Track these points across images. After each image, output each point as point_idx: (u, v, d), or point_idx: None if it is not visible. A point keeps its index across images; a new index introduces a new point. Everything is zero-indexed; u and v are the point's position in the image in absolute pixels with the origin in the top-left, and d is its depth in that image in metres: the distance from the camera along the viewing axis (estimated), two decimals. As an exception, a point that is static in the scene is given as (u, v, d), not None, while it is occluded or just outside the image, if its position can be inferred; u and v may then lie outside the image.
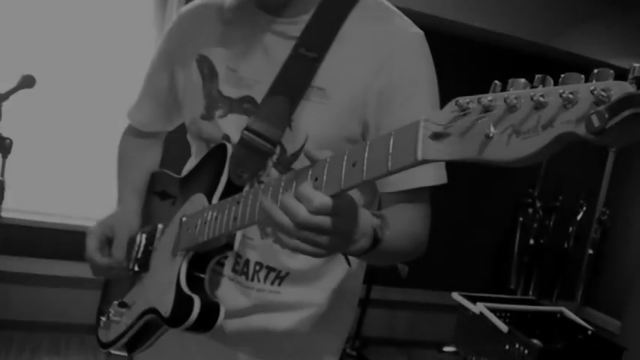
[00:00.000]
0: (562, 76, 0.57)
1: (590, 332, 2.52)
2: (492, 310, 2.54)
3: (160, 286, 1.11)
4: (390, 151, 0.71)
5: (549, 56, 4.24)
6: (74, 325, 3.36)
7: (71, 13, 3.32)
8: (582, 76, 0.55)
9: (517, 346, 2.36)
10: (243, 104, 1.11)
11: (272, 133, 1.06)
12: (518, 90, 0.59)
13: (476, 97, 0.62)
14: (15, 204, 2.79)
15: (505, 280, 4.28)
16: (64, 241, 3.42)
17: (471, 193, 4.18)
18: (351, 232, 0.84)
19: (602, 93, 0.51)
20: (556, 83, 0.57)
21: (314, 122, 1.06)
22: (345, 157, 0.77)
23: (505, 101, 0.58)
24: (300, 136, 1.06)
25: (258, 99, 1.09)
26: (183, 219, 1.11)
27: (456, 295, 2.70)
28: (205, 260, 1.08)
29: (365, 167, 0.74)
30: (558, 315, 2.67)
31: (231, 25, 1.14)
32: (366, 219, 0.88)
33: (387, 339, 4.27)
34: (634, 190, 4.48)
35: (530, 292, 4.17)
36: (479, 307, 2.54)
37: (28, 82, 2.20)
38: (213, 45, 1.16)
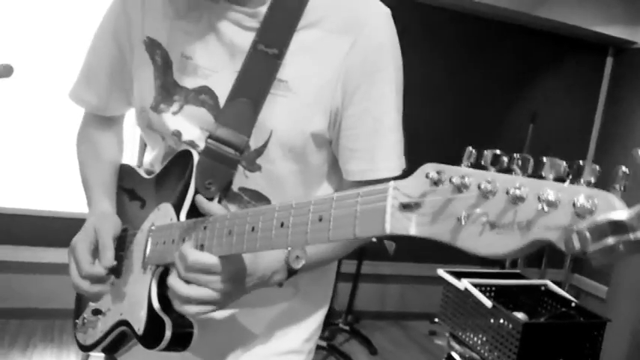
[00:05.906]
0: (544, 160, 0.53)
1: (574, 304, 2.55)
2: (477, 286, 2.56)
3: (132, 299, 1.09)
4: (357, 215, 0.67)
5: (533, 25, 4.21)
6: (68, 311, 3.37)
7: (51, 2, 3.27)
8: (564, 163, 0.52)
9: (501, 320, 2.39)
10: (199, 95, 1.06)
11: (238, 139, 1.02)
12: (492, 172, 0.55)
13: (446, 169, 0.59)
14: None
15: (494, 250, 4.30)
16: (53, 229, 3.42)
17: (456, 160, 4.17)
18: (236, 288, 0.93)
19: (585, 204, 0.48)
20: (536, 163, 0.53)
21: (278, 117, 1.02)
22: (311, 211, 0.75)
23: (479, 187, 0.55)
24: (263, 131, 1.03)
25: (216, 90, 1.05)
26: (152, 227, 1.09)
27: (441, 272, 2.71)
28: None
29: (331, 225, 0.71)
30: (543, 288, 2.70)
31: (184, 10, 1.07)
32: (268, 265, 0.96)
33: (379, 312, 4.32)
34: (620, 155, 4.48)
35: (519, 261, 4.20)
36: (463, 283, 2.56)
37: (5, 71, 2.15)
38: (166, 30, 1.08)
